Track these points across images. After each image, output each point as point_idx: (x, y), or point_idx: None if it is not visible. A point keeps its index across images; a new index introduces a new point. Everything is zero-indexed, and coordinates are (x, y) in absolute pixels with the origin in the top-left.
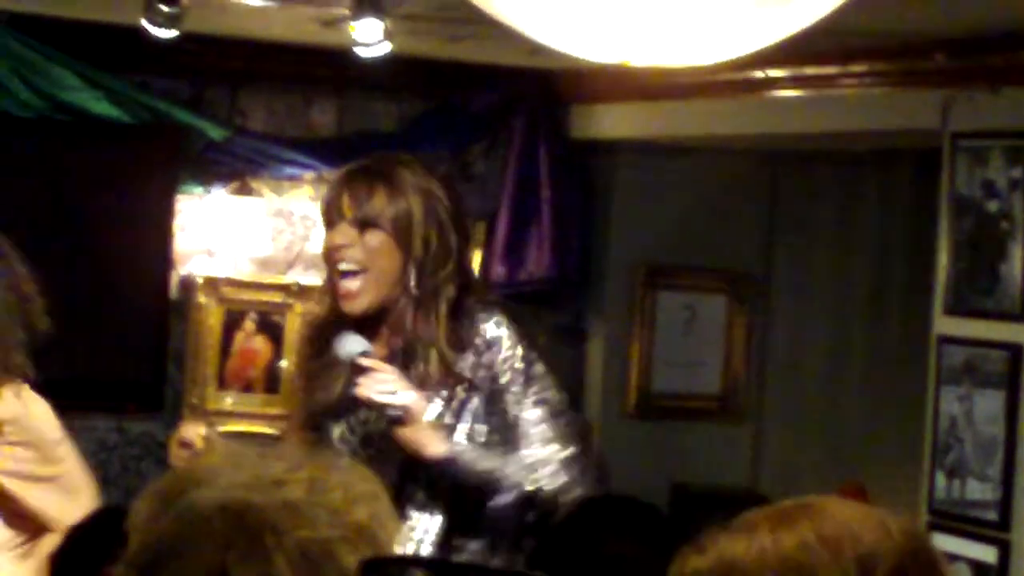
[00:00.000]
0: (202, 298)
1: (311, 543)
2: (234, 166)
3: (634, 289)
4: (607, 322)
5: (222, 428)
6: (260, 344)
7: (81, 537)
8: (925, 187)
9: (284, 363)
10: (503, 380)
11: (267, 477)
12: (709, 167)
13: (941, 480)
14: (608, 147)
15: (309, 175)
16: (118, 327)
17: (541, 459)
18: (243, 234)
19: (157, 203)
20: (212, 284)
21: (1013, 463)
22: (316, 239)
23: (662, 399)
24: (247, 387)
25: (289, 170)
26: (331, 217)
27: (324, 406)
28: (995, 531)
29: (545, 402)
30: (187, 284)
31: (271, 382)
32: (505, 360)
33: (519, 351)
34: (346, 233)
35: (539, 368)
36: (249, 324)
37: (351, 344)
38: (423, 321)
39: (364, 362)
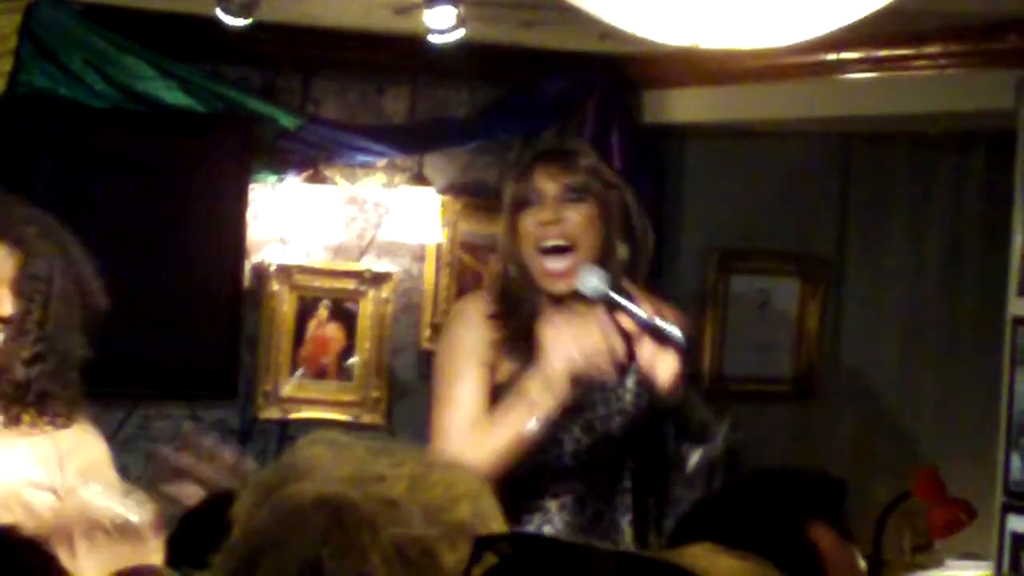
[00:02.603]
0: (275, 286)
1: (408, 541)
2: (307, 154)
3: (707, 273)
4: (680, 306)
5: (294, 415)
6: (333, 331)
7: (194, 523)
8: (1000, 168)
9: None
10: None
11: (368, 473)
12: (781, 150)
13: (1016, 462)
14: (680, 131)
15: (382, 162)
16: (192, 315)
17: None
18: (316, 222)
19: (230, 192)
20: (285, 272)
21: None
22: (388, 226)
23: (735, 383)
24: (320, 374)
25: (362, 157)
26: (528, 198)
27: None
28: None
29: None
30: (260, 272)
31: (344, 369)
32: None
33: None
34: (553, 208)
35: None
36: (322, 311)
37: (593, 276)
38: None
39: (616, 298)
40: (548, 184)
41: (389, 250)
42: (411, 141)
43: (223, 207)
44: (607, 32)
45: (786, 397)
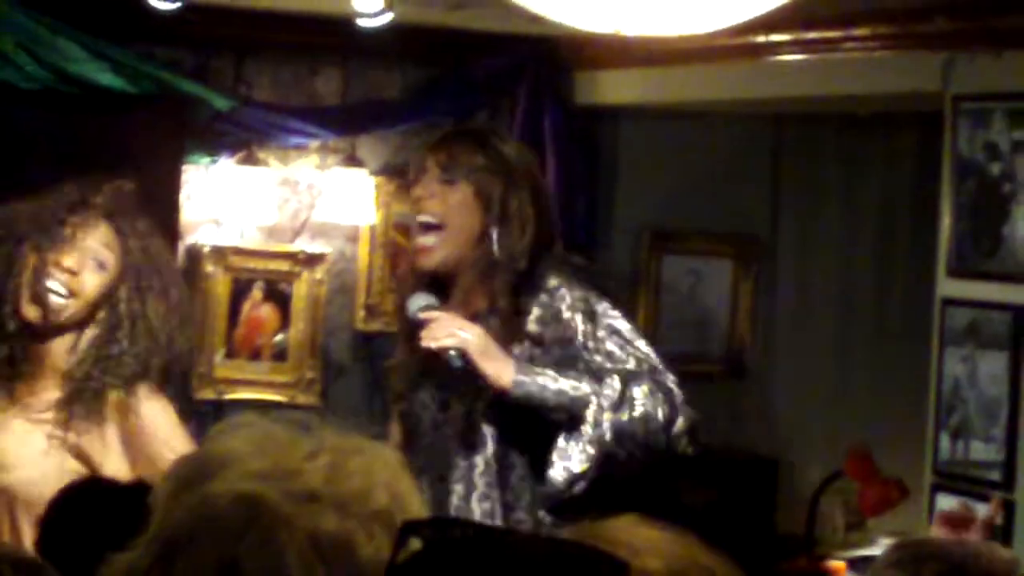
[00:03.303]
0: (209, 267)
1: (325, 535)
2: (240, 136)
3: (639, 253)
4: (613, 287)
5: (229, 396)
6: (268, 312)
7: (71, 504)
8: (928, 149)
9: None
10: (573, 325)
11: (285, 466)
12: (713, 131)
13: (945, 441)
14: (612, 112)
15: (315, 144)
16: None
17: (619, 389)
18: (249, 203)
19: (164, 173)
20: (219, 253)
21: (1016, 424)
22: (322, 207)
23: (669, 361)
24: (255, 355)
25: (295, 139)
26: (416, 174)
27: (403, 374)
28: (999, 491)
29: (617, 332)
30: (194, 253)
31: (278, 351)
32: (570, 306)
33: (580, 293)
34: (428, 186)
35: (606, 306)
36: (256, 293)
37: (416, 301)
38: (493, 284)
39: (424, 315)
40: (432, 163)
41: (323, 231)
42: (344, 122)
43: (156, 189)
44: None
45: (719, 376)
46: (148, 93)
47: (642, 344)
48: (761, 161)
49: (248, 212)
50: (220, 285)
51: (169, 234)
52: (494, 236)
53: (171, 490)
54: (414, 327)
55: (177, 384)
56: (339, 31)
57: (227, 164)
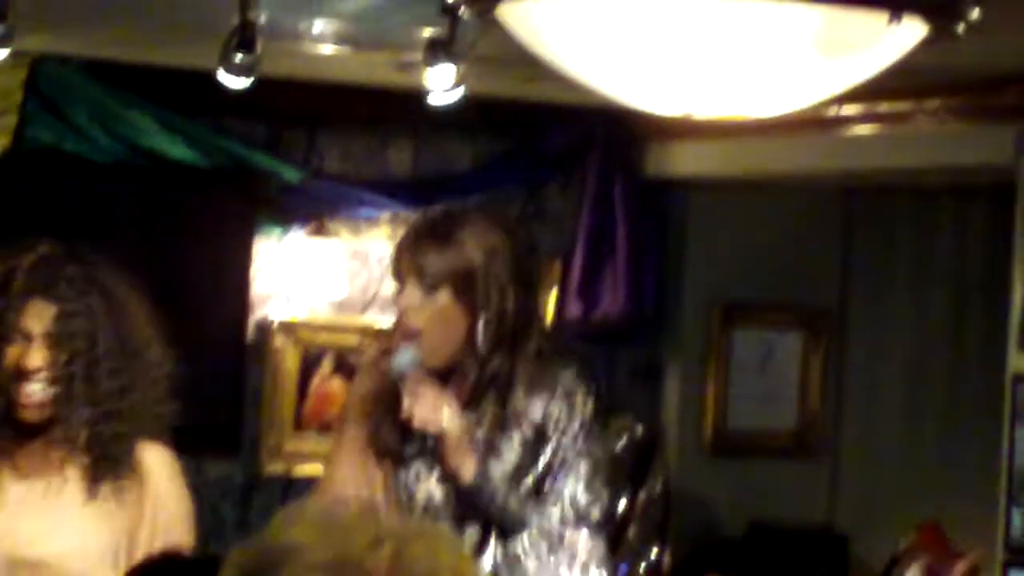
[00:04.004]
0: (279, 340)
1: None
2: (311, 208)
3: (710, 326)
4: (683, 359)
5: (299, 470)
6: (337, 386)
7: None
8: (1000, 220)
9: None
10: (561, 437)
11: (349, 555)
12: (784, 203)
13: (1017, 518)
14: (682, 184)
15: (386, 216)
16: (195, 370)
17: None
18: (320, 276)
19: (234, 246)
20: (289, 327)
21: None
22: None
23: (739, 436)
24: (324, 428)
25: (366, 211)
26: (399, 276)
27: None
28: None
29: (588, 466)
30: (264, 327)
31: None
32: (570, 416)
33: (584, 412)
34: (412, 296)
35: (593, 432)
36: (326, 366)
37: (402, 358)
38: (492, 370)
39: (412, 377)
40: (410, 267)
41: (393, 304)
42: (415, 194)
43: (227, 261)
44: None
45: (790, 450)
46: (219, 166)
47: (598, 486)
48: (831, 233)
49: (318, 285)
50: (289, 359)
51: (240, 307)
52: (479, 333)
53: None
54: (398, 383)
55: (247, 458)
56: (410, 103)
57: (298, 236)
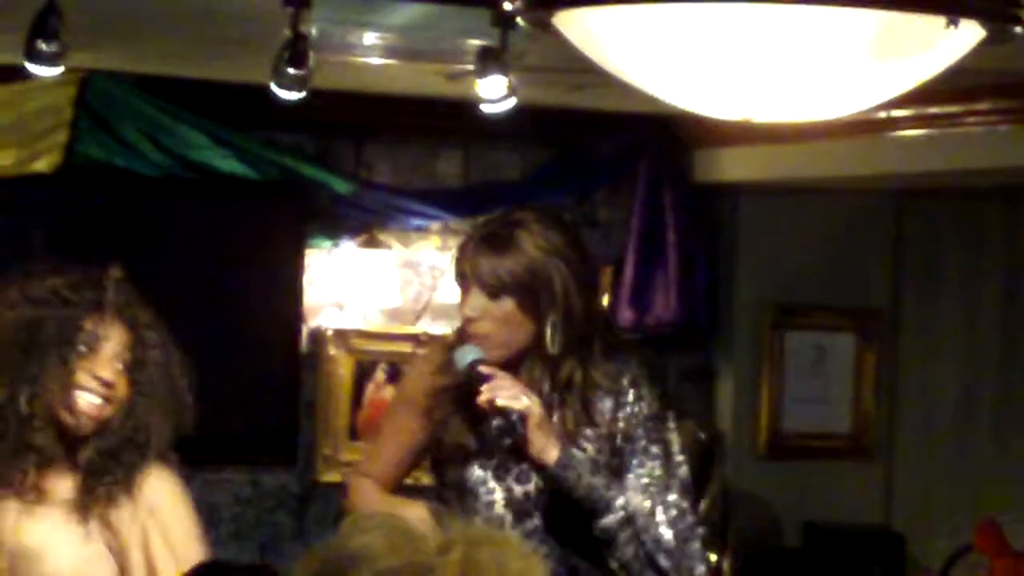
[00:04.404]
0: (332, 350)
1: None
2: (361, 219)
3: (762, 330)
4: (736, 363)
5: None
6: (391, 394)
7: None
8: None
9: None
10: (633, 430)
11: (419, 562)
12: (834, 207)
13: None
14: (732, 190)
15: (436, 225)
16: (250, 381)
17: (649, 509)
18: (372, 286)
19: (286, 258)
20: (342, 336)
21: None
22: (444, 289)
23: (793, 438)
24: None
25: (416, 221)
26: (461, 283)
27: (462, 446)
28: None
29: (668, 454)
30: (317, 337)
31: None
32: (637, 411)
33: (652, 402)
34: (475, 304)
35: (669, 425)
36: (380, 374)
37: (466, 353)
38: (558, 372)
39: (484, 370)
40: (472, 275)
41: (445, 313)
42: (465, 204)
43: (279, 273)
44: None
45: (844, 452)
46: (269, 178)
47: (683, 470)
48: (882, 235)
49: (370, 295)
50: (343, 368)
51: (293, 317)
52: (547, 336)
53: None
54: (466, 382)
55: (302, 467)
56: (459, 113)
57: (349, 247)
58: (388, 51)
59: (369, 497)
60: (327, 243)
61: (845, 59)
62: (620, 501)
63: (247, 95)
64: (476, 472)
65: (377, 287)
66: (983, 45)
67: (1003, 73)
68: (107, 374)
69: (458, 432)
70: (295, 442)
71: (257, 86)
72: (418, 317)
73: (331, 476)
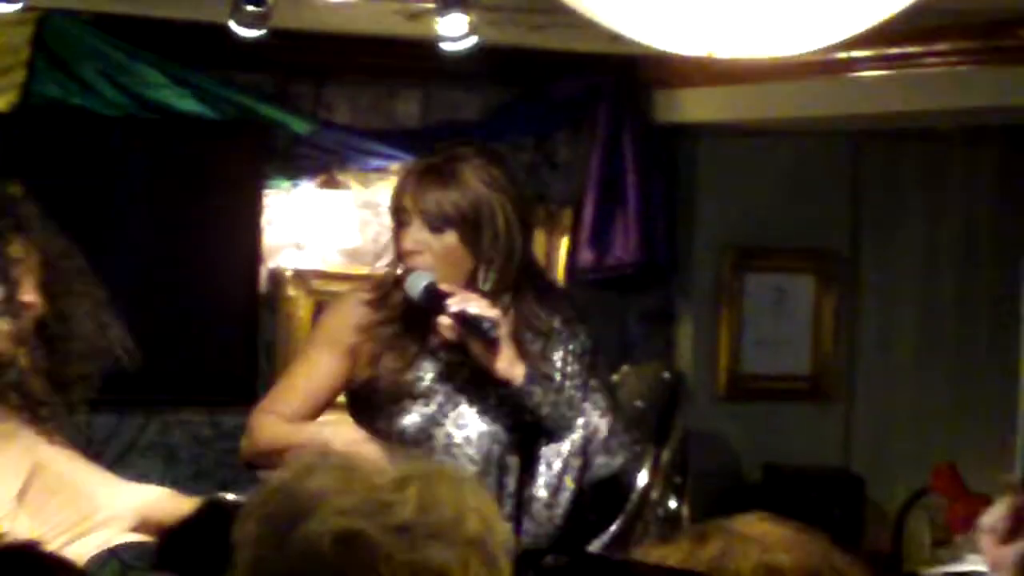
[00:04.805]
0: (291, 291)
1: (423, 567)
2: (320, 159)
3: (722, 271)
4: (696, 305)
5: None
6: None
7: (188, 531)
8: (1011, 162)
9: None
10: (568, 368)
11: (375, 499)
12: (794, 148)
13: None
14: (692, 131)
15: (395, 166)
16: (208, 322)
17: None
18: (331, 226)
19: (244, 198)
20: (301, 277)
21: None
22: None
23: (752, 380)
24: None
25: (375, 162)
26: (401, 217)
27: (404, 380)
28: None
29: (604, 388)
30: (276, 277)
31: None
32: (572, 348)
33: (584, 340)
34: (417, 237)
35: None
36: None
37: (419, 279)
38: (501, 309)
39: (444, 287)
40: (415, 208)
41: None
42: (424, 144)
43: (238, 213)
44: (618, 35)
45: (803, 394)
46: (228, 118)
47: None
48: (842, 177)
49: (329, 235)
50: (302, 309)
51: (251, 258)
52: (481, 273)
53: (261, 531)
54: (423, 306)
55: None
56: (418, 53)
57: (308, 188)
58: None
59: (279, 429)
60: (286, 183)
61: None
62: (580, 420)
63: (206, 34)
64: (413, 418)
65: (336, 228)
66: None
67: (963, 13)
68: (29, 297)
69: (395, 370)
70: (255, 383)
71: (216, 25)
72: (378, 258)
73: None
